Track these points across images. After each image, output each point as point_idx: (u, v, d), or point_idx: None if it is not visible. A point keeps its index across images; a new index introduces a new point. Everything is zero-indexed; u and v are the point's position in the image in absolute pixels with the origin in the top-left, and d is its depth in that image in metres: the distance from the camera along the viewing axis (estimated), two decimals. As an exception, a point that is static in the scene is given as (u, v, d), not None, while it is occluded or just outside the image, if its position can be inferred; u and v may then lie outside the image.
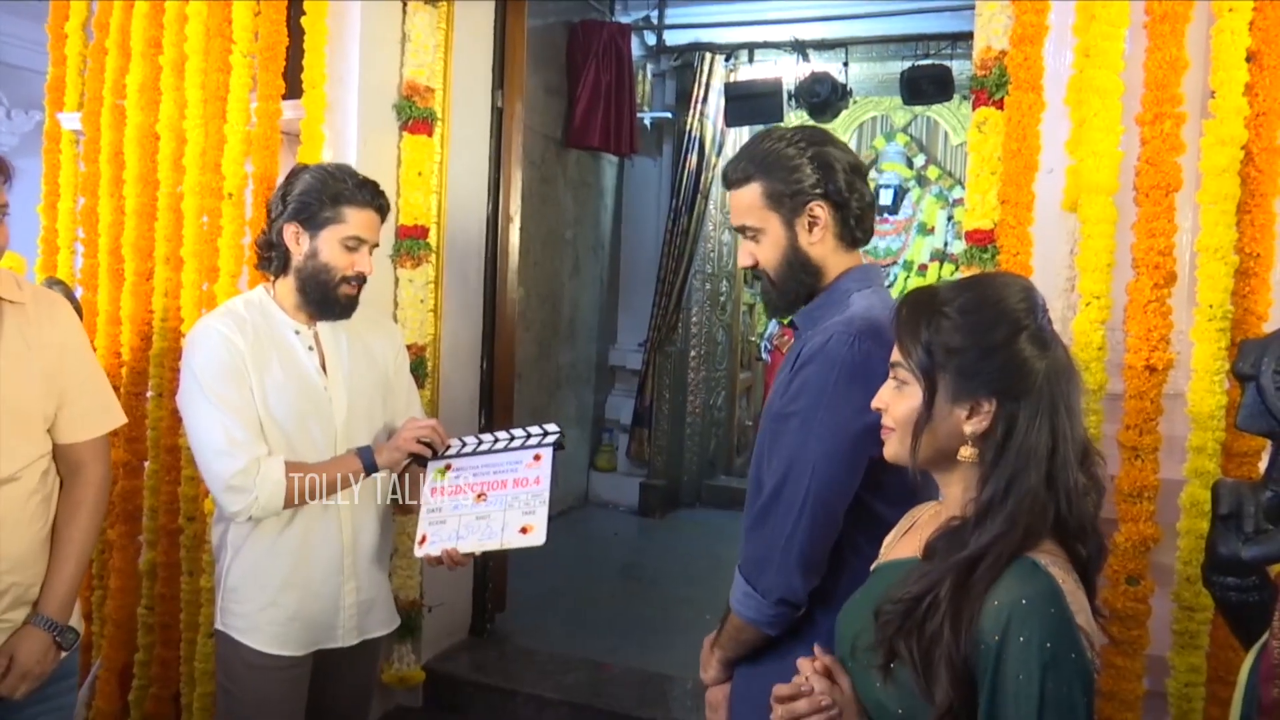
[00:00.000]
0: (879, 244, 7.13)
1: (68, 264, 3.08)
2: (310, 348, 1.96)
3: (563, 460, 1.92)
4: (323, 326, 1.98)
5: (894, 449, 1.21)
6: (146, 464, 2.82)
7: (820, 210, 1.52)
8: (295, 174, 1.96)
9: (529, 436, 1.90)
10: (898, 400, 1.19)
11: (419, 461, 1.97)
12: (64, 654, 1.77)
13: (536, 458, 1.86)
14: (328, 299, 1.92)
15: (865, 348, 1.40)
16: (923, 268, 7.22)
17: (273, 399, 1.88)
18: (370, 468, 1.90)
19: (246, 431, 1.83)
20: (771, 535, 1.45)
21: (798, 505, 1.42)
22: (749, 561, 1.49)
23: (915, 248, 7.26)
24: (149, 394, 2.81)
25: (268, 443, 1.87)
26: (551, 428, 1.91)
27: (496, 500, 1.87)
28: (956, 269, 5.89)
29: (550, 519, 1.85)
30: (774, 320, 7.48)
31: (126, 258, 2.84)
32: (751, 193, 1.54)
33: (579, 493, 6.21)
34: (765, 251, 1.55)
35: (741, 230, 1.57)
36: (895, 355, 1.19)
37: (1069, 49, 2.09)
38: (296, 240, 1.91)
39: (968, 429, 1.13)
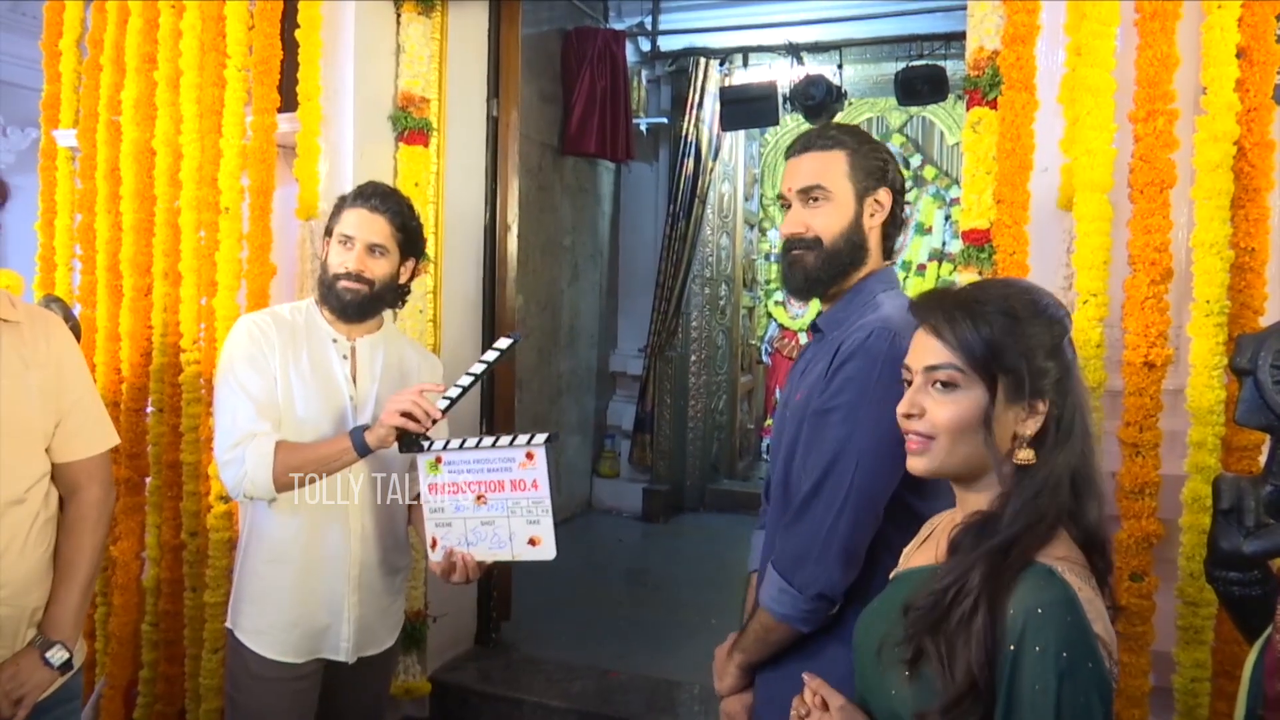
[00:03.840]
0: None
1: (65, 281, 3.08)
2: (345, 357, 2.00)
3: (565, 467, 1.89)
4: (361, 341, 2.02)
5: (938, 459, 1.15)
6: (148, 480, 2.83)
7: (885, 197, 1.57)
8: None
9: (515, 436, 1.84)
10: (943, 404, 1.14)
11: (408, 445, 1.89)
12: (62, 677, 1.75)
13: (529, 456, 1.83)
14: (330, 296, 1.97)
15: (905, 345, 1.40)
16: (921, 268, 7.23)
17: (298, 395, 1.92)
18: (361, 447, 1.85)
19: (253, 413, 1.86)
20: (811, 529, 1.45)
21: (841, 498, 1.43)
22: (785, 557, 1.48)
23: (913, 248, 7.27)
24: (149, 410, 2.82)
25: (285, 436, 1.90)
26: (540, 437, 1.84)
27: (498, 504, 1.85)
28: (955, 269, 5.89)
29: (554, 526, 1.84)
30: (774, 323, 7.49)
31: (124, 274, 2.85)
32: (836, 158, 1.56)
33: (582, 499, 6.20)
34: (827, 218, 1.55)
35: (805, 193, 1.56)
36: (934, 355, 1.15)
37: (1061, 48, 2.09)
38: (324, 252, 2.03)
39: (1024, 430, 1.13)
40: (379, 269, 1.96)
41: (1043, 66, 2.13)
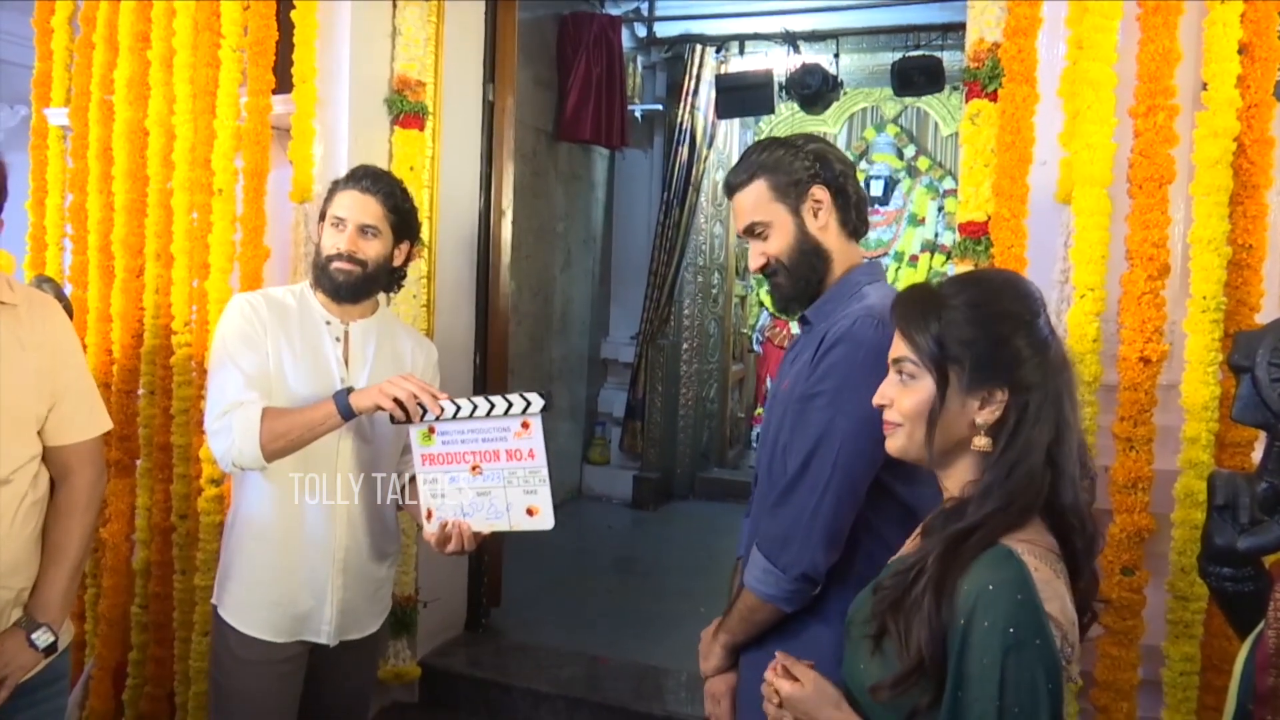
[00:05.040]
0: (869, 235, 7.14)
1: (57, 261, 3.06)
2: (338, 340, 2.00)
3: (556, 453, 1.86)
4: (355, 326, 2.02)
5: (901, 442, 1.22)
6: (139, 462, 2.81)
7: (821, 193, 1.59)
8: None
9: (510, 406, 1.80)
10: (905, 394, 1.21)
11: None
12: (47, 659, 1.74)
13: (525, 425, 1.80)
14: (323, 278, 1.97)
15: (890, 332, 1.43)
16: (913, 259, 7.23)
17: (289, 372, 1.92)
18: (345, 410, 1.83)
19: (242, 384, 1.86)
20: (795, 511, 1.48)
21: (824, 482, 1.46)
22: (770, 538, 1.51)
23: (906, 238, 7.27)
24: (140, 392, 2.80)
25: None
26: (534, 396, 1.79)
27: (493, 474, 1.83)
28: (948, 260, 5.89)
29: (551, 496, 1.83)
30: (765, 312, 7.49)
31: (116, 254, 2.82)
32: (757, 189, 1.61)
33: (572, 486, 6.21)
34: (776, 243, 1.61)
35: (750, 231, 1.63)
36: (899, 350, 1.21)
37: (1062, 41, 2.09)
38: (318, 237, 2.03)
39: (980, 419, 1.16)
40: (372, 250, 1.96)
41: (1044, 59, 2.13)
